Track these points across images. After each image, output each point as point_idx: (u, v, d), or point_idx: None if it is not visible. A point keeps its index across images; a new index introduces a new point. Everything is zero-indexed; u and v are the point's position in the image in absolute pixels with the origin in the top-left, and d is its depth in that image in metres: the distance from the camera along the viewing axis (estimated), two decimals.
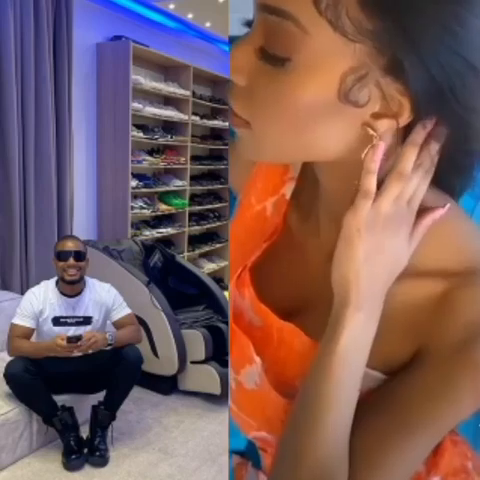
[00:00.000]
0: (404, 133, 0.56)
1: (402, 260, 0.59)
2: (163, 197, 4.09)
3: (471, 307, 0.57)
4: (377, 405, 0.61)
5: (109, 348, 2.10)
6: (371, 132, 0.54)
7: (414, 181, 0.57)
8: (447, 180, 0.62)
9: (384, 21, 0.48)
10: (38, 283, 2.25)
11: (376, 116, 0.53)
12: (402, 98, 0.52)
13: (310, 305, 0.69)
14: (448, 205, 0.59)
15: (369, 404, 0.61)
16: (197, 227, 4.54)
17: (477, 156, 0.59)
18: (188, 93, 4.06)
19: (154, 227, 3.95)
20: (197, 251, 4.53)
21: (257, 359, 0.69)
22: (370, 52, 0.50)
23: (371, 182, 0.56)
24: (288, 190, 0.76)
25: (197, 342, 2.63)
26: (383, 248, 0.58)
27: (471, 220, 0.66)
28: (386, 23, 0.48)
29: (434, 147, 0.56)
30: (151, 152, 3.88)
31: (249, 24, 0.55)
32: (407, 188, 0.57)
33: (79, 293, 2.18)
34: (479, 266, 0.59)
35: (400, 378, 0.61)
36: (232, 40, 0.56)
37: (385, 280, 0.59)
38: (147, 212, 3.81)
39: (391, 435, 0.58)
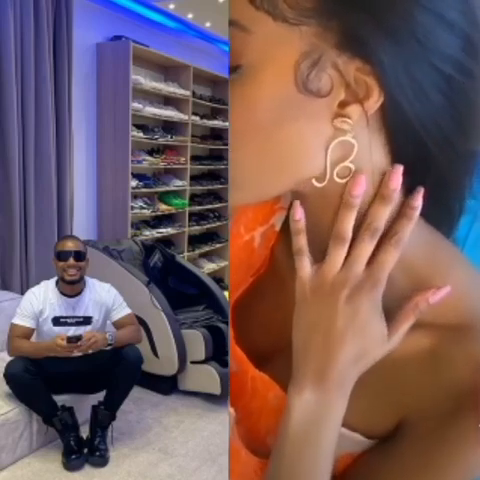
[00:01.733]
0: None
1: (376, 333, 0.52)
2: (163, 197, 4.09)
3: (461, 369, 0.50)
4: None
5: (109, 348, 2.10)
6: (345, 123, 0.49)
7: (365, 244, 0.51)
8: (444, 202, 0.56)
9: None
10: (38, 283, 2.24)
11: (344, 104, 0.49)
12: (367, 78, 0.48)
13: (287, 353, 0.60)
14: (448, 288, 0.52)
15: None
16: (197, 227, 4.53)
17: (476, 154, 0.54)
18: (188, 93, 4.06)
19: (154, 227, 3.95)
20: (197, 251, 4.53)
21: (231, 410, 0.63)
22: (317, 31, 0.47)
23: (298, 242, 0.54)
24: (278, 220, 0.71)
25: (197, 342, 2.63)
26: (335, 317, 0.51)
27: (471, 266, 0.58)
28: None
29: (387, 209, 0.51)
30: (151, 152, 3.87)
31: None
32: (357, 251, 0.52)
33: (79, 293, 2.18)
34: (476, 320, 0.52)
35: (385, 454, 0.55)
36: None
37: (348, 355, 0.51)
38: (147, 212, 3.80)
39: None
